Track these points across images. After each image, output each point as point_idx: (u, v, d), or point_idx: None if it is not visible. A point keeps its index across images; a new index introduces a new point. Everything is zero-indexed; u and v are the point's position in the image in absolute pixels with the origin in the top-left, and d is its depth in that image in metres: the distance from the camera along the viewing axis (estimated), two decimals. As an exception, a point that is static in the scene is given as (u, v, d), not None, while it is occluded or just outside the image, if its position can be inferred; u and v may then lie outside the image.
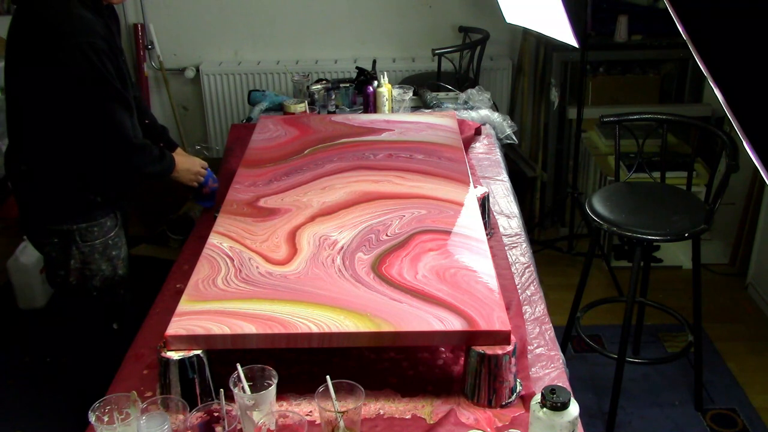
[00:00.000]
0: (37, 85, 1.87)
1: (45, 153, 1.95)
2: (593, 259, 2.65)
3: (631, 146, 2.80)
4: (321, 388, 1.28)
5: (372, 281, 1.49)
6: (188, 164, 2.18)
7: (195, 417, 1.26)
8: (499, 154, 2.60)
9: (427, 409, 1.36)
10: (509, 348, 1.35)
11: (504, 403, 1.37)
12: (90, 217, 2.01)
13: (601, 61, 3.71)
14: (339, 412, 1.24)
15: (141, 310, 1.78)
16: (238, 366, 1.31)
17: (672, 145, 3.51)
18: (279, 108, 2.92)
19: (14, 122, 1.98)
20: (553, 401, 1.19)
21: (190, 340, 1.34)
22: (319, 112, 2.88)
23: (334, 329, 1.35)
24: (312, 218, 1.75)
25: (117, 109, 1.89)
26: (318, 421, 1.31)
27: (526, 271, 1.88)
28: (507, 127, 2.81)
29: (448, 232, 1.68)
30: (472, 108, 2.89)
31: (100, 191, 2.01)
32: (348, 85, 2.99)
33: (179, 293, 1.52)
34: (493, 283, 1.49)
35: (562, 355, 1.56)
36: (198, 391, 1.35)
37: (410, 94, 2.86)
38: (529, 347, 1.56)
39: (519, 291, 1.75)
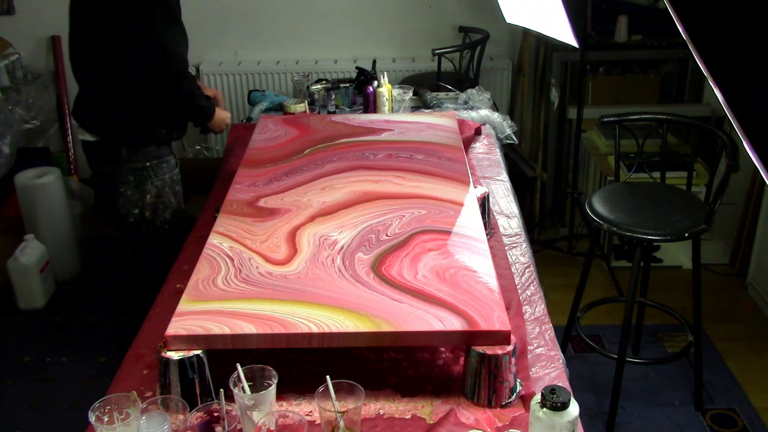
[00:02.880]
0: (115, 34, 2.12)
1: (121, 95, 2.21)
2: (593, 259, 2.65)
3: (631, 146, 2.80)
4: (321, 388, 1.28)
5: (372, 281, 1.49)
6: (223, 115, 2.47)
7: (195, 417, 1.26)
8: (499, 154, 2.60)
9: (427, 409, 1.37)
10: (509, 348, 1.35)
11: (504, 403, 1.37)
12: (158, 155, 2.31)
13: (601, 61, 3.71)
14: (339, 412, 1.24)
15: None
16: (238, 366, 1.31)
17: (672, 145, 3.51)
18: (279, 108, 2.91)
19: (90, 77, 2.26)
20: (553, 401, 1.19)
21: (190, 340, 1.34)
22: (319, 112, 2.88)
23: (334, 329, 1.35)
24: (312, 218, 1.75)
25: (180, 38, 2.18)
26: (318, 421, 1.31)
27: (526, 271, 1.88)
28: (507, 127, 2.81)
29: (448, 232, 1.68)
30: (472, 108, 2.89)
31: (163, 123, 2.27)
32: (348, 85, 2.99)
33: (179, 293, 1.52)
34: (493, 283, 1.49)
35: (562, 355, 1.56)
36: (198, 391, 1.35)
37: (410, 94, 2.86)
38: (529, 347, 1.56)
39: (519, 291, 1.75)
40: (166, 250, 2.35)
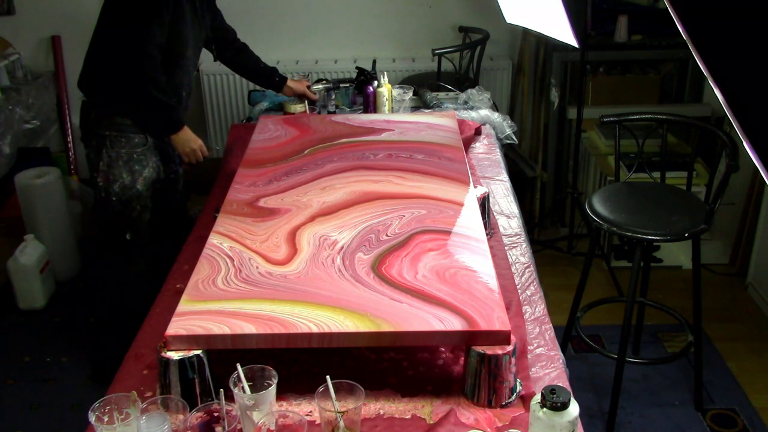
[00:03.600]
0: (113, 26, 2.30)
1: (104, 69, 2.36)
2: (593, 259, 2.65)
3: (631, 146, 2.80)
4: (321, 388, 1.28)
5: (372, 281, 1.49)
6: (191, 137, 2.47)
7: (195, 417, 1.26)
8: (499, 154, 2.60)
9: (427, 409, 1.37)
10: (509, 348, 1.35)
11: (504, 403, 1.37)
12: (121, 128, 2.38)
13: (601, 61, 3.71)
14: (339, 412, 1.24)
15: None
16: (238, 366, 1.31)
17: (672, 145, 3.51)
18: (279, 108, 2.92)
19: (90, 55, 2.42)
20: (553, 401, 1.19)
21: (190, 340, 1.34)
22: (319, 112, 2.88)
23: (334, 329, 1.35)
24: (312, 218, 1.75)
25: (155, 25, 2.25)
26: (318, 421, 1.31)
27: (526, 271, 1.88)
28: (507, 127, 2.81)
29: (448, 232, 1.68)
30: (472, 108, 2.89)
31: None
32: (348, 85, 2.99)
33: (179, 293, 1.52)
34: (493, 283, 1.49)
35: (562, 355, 1.56)
36: (198, 391, 1.35)
37: (410, 94, 2.86)
38: (529, 347, 1.56)
39: (519, 291, 1.75)
40: (117, 228, 2.52)
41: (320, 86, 2.94)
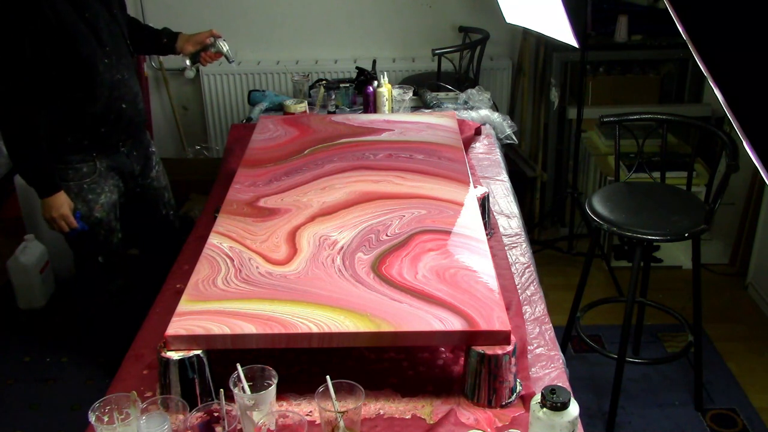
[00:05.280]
0: None
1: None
2: (593, 259, 2.65)
3: (631, 146, 2.80)
4: (321, 388, 1.28)
5: (372, 281, 1.49)
6: (55, 205, 2.29)
7: (195, 417, 1.26)
8: (499, 154, 2.60)
9: (427, 409, 1.37)
10: (509, 348, 1.35)
11: (504, 403, 1.37)
12: (66, 160, 2.31)
13: (601, 61, 3.71)
14: (339, 412, 1.24)
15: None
16: (238, 366, 1.31)
17: (672, 145, 3.51)
18: (279, 108, 2.92)
19: None
20: (553, 401, 1.19)
21: (190, 340, 1.34)
22: (318, 112, 2.88)
23: (334, 329, 1.35)
24: (312, 218, 1.75)
25: (10, 83, 2.13)
26: (318, 421, 1.31)
27: (526, 271, 1.88)
28: (507, 127, 2.81)
29: (448, 232, 1.68)
30: (472, 108, 2.89)
31: (70, 131, 2.28)
32: (348, 85, 2.99)
33: (179, 293, 1.52)
34: (493, 283, 1.49)
35: (562, 355, 1.56)
36: (198, 391, 1.35)
37: (410, 94, 2.86)
38: (529, 347, 1.56)
39: (519, 291, 1.75)
40: (87, 252, 2.50)
41: (320, 86, 2.93)
